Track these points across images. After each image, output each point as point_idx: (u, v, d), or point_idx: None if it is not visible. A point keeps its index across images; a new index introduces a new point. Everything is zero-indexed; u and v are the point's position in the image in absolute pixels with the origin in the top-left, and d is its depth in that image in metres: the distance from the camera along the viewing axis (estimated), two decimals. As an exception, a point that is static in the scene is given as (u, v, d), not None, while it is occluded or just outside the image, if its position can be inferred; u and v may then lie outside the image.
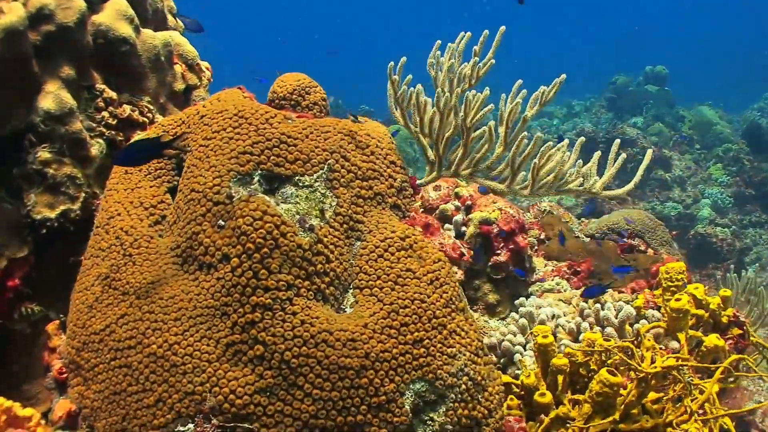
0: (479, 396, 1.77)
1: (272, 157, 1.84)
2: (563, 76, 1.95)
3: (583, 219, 3.89)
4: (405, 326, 1.77)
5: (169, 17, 2.57)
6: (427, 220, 2.49)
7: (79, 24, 1.96)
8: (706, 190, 8.70)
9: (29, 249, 1.95)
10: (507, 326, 2.69)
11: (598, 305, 2.51)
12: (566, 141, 1.98)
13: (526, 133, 1.91)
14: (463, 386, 1.75)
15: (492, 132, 1.90)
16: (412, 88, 1.96)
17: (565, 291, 3.10)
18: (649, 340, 2.00)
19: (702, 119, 10.83)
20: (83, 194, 1.99)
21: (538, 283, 3.17)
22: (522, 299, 2.83)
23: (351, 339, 1.70)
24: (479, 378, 1.78)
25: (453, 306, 1.87)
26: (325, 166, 1.88)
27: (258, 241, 1.70)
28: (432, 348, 1.78)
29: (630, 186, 1.92)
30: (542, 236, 3.53)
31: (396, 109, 2.03)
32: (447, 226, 2.64)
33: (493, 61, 1.97)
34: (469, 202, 2.97)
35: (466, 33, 2.00)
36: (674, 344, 2.25)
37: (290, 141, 1.87)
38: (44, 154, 1.92)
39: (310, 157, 1.87)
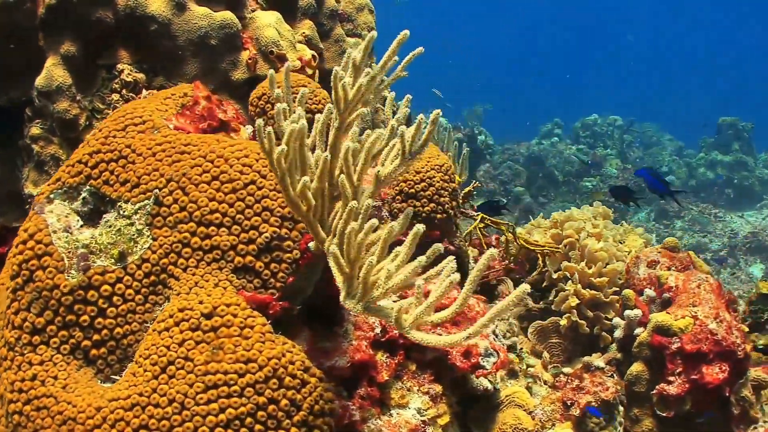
0: None
1: (105, 173, 1.49)
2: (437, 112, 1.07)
3: None
4: (145, 430, 1.30)
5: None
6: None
7: (85, -4, 1.89)
8: None
9: (29, 220, 2.01)
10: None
11: None
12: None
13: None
14: None
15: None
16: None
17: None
18: None
19: None
20: (65, 176, 1.94)
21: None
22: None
23: (71, 418, 1.33)
24: None
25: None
26: (152, 197, 1.45)
27: (14, 267, 1.43)
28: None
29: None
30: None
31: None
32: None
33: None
34: (667, 295, 1.98)
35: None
36: None
37: (131, 157, 1.49)
38: (35, 129, 1.94)
39: (141, 181, 1.46)
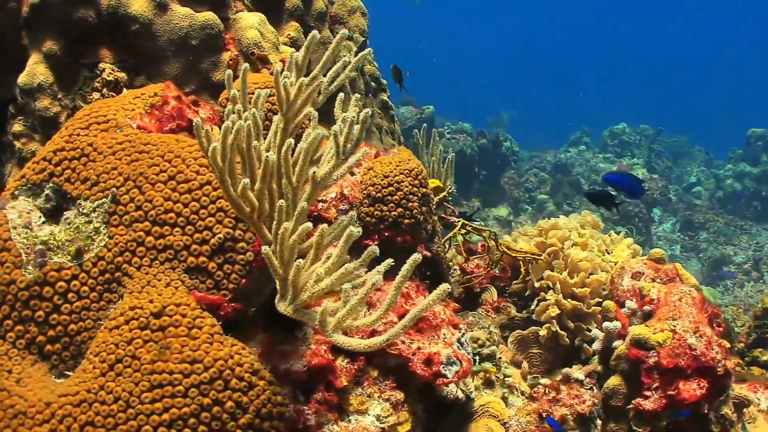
0: None
1: (67, 171, 1.51)
2: (366, 111, 1.06)
3: None
4: (90, 426, 1.31)
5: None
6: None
7: (65, -4, 1.91)
8: None
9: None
10: None
11: None
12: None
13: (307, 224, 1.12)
14: None
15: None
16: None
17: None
18: None
19: None
20: (46, 173, 1.97)
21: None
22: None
23: (22, 412, 1.34)
24: None
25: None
26: (110, 195, 1.46)
27: (-28, 262, 1.45)
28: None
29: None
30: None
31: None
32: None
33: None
34: (648, 308, 1.94)
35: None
36: None
37: (92, 155, 1.50)
38: (17, 126, 1.97)
39: (100, 179, 1.47)
